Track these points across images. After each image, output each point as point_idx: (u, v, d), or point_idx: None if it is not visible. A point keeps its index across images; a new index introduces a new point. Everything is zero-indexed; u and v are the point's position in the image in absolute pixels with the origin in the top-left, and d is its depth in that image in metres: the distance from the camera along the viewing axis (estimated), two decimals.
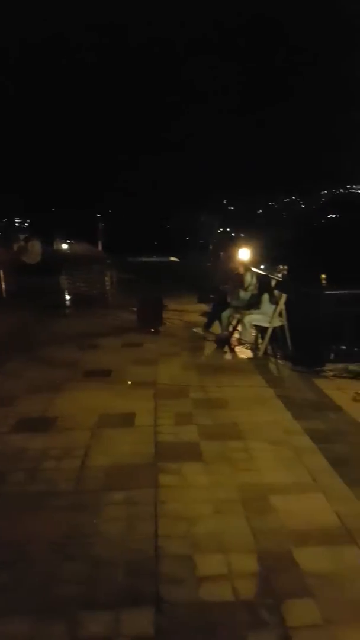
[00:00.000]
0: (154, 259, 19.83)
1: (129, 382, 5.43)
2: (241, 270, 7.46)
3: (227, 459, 3.63)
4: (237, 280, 7.41)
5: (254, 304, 7.02)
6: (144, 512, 2.95)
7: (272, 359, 6.54)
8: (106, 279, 11.31)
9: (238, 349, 7.00)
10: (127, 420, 4.33)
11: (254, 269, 7.70)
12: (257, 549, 2.65)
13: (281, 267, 7.53)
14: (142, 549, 2.64)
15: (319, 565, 2.53)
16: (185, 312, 9.83)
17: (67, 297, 11.09)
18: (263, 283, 6.97)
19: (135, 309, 8.93)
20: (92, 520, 2.89)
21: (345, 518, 2.90)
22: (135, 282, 12.97)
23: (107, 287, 11.31)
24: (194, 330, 8.02)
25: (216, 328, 7.78)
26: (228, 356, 6.77)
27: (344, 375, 5.65)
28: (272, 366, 6.31)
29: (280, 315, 6.71)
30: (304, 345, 6.34)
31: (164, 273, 15.53)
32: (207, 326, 7.84)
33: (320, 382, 5.50)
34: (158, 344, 7.31)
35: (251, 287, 7.33)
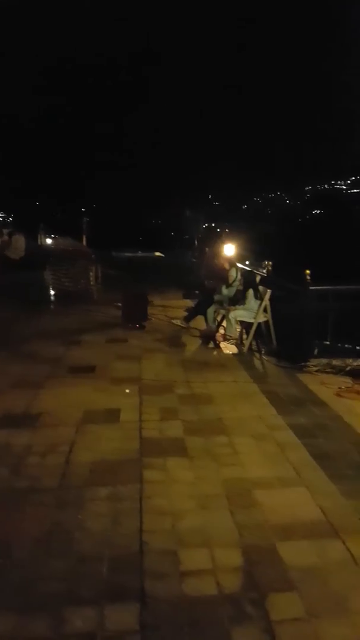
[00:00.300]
0: (139, 254, 19.79)
1: (116, 379, 5.41)
2: (226, 265, 7.48)
3: (211, 454, 3.65)
4: (222, 275, 7.43)
5: (239, 299, 7.05)
6: (129, 508, 2.95)
7: (257, 355, 6.58)
8: (91, 274, 11.22)
9: (223, 344, 7.02)
10: (112, 416, 4.33)
11: (239, 265, 7.73)
12: (241, 544, 2.67)
13: (266, 262, 7.56)
14: (126, 545, 2.65)
15: (302, 559, 2.56)
16: (171, 308, 9.80)
17: (51, 292, 10.99)
18: (248, 279, 6.99)
19: (119, 304, 8.89)
20: (77, 516, 2.88)
21: (328, 512, 2.94)
22: (120, 277, 12.91)
23: (92, 283, 11.23)
24: (174, 322, 8.04)
25: (200, 323, 7.80)
26: (213, 352, 6.79)
27: (328, 370, 5.71)
28: (256, 362, 6.34)
29: (265, 310, 6.75)
30: (288, 341, 6.38)
31: (149, 268, 15.50)
32: (188, 319, 7.88)
33: (304, 378, 5.55)
34: (143, 339, 7.30)
35: (236, 283, 7.36)
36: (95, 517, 2.88)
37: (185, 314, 8.18)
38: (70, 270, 10.95)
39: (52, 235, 16.00)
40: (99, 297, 11.09)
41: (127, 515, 2.89)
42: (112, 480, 3.25)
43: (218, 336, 7.23)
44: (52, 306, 10.24)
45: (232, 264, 7.52)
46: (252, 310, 6.73)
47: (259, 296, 6.72)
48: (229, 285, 7.39)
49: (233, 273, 7.43)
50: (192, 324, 7.94)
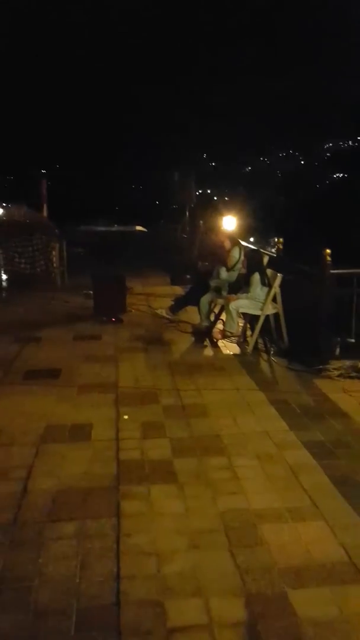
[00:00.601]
0: (115, 228, 19.71)
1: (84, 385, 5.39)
2: (226, 244, 7.48)
3: (206, 479, 3.65)
4: (222, 256, 7.43)
5: (241, 286, 7.05)
6: (102, 548, 2.95)
7: (264, 355, 6.59)
8: (53, 253, 11.17)
9: (221, 342, 7.03)
10: (81, 432, 4.32)
11: (242, 243, 7.74)
12: (243, 592, 2.68)
13: (275, 239, 7.59)
14: (99, 595, 2.64)
15: (320, 611, 2.58)
16: (155, 297, 9.81)
17: (2, 276, 10.91)
18: (253, 260, 7.00)
19: (90, 292, 8.87)
20: (36, 558, 2.88)
21: (353, 551, 2.97)
22: (91, 257, 12.86)
23: (54, 265, 11.18)
24: (158, 311, 8.05)
25: (192, 316, 7.80)
26: (209, 352, 6.80)
27: (352, 375, 5.74)
28: (263, 364, 6.36)
29: (274, 300, 6.76)
30: (303, 338, 6.40)
31: (128, 247, 15.45)
32: (174, 309, 7.89)
33: (322, 384, 5.58)
34: (120, 336, 7.29)
35: (238, 266, 7.37)
36: (59, 560, 2.87)
37: (172, 303, 8.19)
38: (26, 249, 10.88)
39: (3, 204, 15.84)
40: (63, 283, 11.05)
41: (99, 557, 2.89)
42: (80, 514, 3.24)
43: (215, 332, 7.24)
44: (2, 293, 10.18)
45: (234, 242, 7.52)
46: (258, 300, 6.75)
47: (266, 282, 6.73)
48: (229, 269, 7.39)
49: (235, 253, 7.43)
50: (183, 316, 7.95)
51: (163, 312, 7.98)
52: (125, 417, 4.69)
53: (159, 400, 5.05)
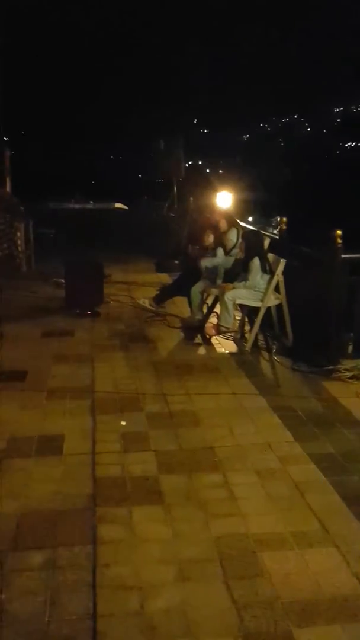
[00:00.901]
0: (91, 205, 19.61)
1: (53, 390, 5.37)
2: (223, 224, 7.45)
3: (198, 500, 3.65)
4: (216, 239, 7.41)
5: (238, 273, 7.04)
6: (76, 581, 2.93)
7: (265, 354, 6.60)
8: (18, 234, 11.10)
9: (215, 339, 7.03)
10: (50, 445, 4.31)
11: (240, 223, 7.73)
12: (241, 631, 2.67)
13: (278, 219, 7.58)
14: (72, 636, 2.62)
15: None
16: (138, 286, 9.79)
17: None
18: (252, 243, 6.98)
19: (62, 280, 8.83)
20: None
21: None
22: (63, 239, 12.79)
23: (19, 248, 11.12)
24: (140, 302, 8.04)
25: (181, 308, 7.79)
26: (201, 350, 6.79)
27: None
28: (264, 364, 6.36)
29: (276, 290, 6.76)
30: (310, 334, 6.41)
31: (106, 227, 15.35)
32: (159, 299, 7.88)
33: (333, 387, 5.59)
34: (97, 332, 7.28)
35: (235, 250, 7.36)
36: (25, 596, 2.85)
37: (158, 293, 8.16)
38: None
39: None
40: (30, 270, 10.99)
41: (72, 591, 2.87)
42: (50, 541, 3.23)
43: (208, 327, 7.24)
44: None
45: (231, 222, 7.50)
46: (258, 290, 6.74)
47: (267, 269, 6.73)
48: (225, 253, 7.38)
49: (232, 236, 7.41)
50: (170, 308, 7.93)
51: (145, 303, 7.95)
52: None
53: (142, 407, 5.04)
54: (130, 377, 5.78)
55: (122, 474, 3.94)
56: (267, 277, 6.71)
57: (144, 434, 4.53)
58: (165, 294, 7.97)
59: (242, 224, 7.87)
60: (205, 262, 7.51)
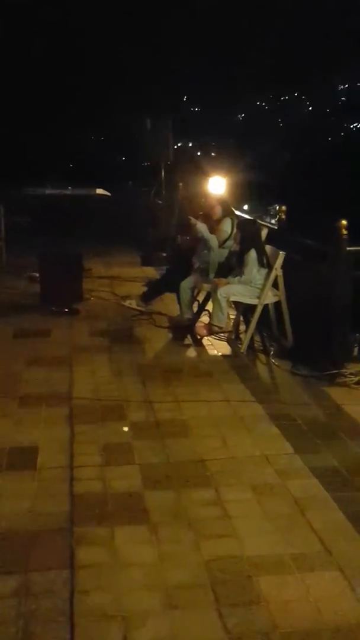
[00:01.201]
0: (70, 191, 19.54)
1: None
2: (216, 212, 7.43)
3: (187, 518, 3.64)
4: (209, 228, 7.39)
5: (233, 267, 7.04)
6: (52, 609, 2.91)
7: (262, 357, 6.61)
8: None
9: (207, 340, 7.03)
10: (24, 458, 4.30)
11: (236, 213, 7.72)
12: None
13: (277, 208, 7.58)
14: None
15: None
16: (122, 281, 9.77)
17: None
18: (248, 234, 6.97)
19: (37, 274, 8.80)
20: None
21: None
22: (38, 229, 12.73)
23: None
24: (125, 303, 8.00)
25: (169, 305, 7.77)
26: (191, 352, 6.79)
27: None
28: (261, 368, 6.37)
29: (274, 286, 6.76)
30: (312, 334, 6.42)
31: (86, 215, 15.31)
32: (147, 297, 7.85)
33: (337, 393, 5.60)
34: (75, 332, 7.27)
35: (229, 243, 7.34)
36: None
37: (144, 290, 8.14)
38: None
39: None
40: (1, 263, 10.93)
41: (47, 621, 2.85)
42: (23, 565, 3.21)
43: (199, 327, 7.22)
44: None
45: (227, 211, 7.47)
46: (255, 285, 6.73)
47: (265, 262, 6.72)
48: (220, 245, 7.36)
49: (226, 226, 7.38)
50: (158, 306, 7.91)
51: (132, 303, 7.91)
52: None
53: (126, 416, 5.03)
54: (113, 382, 5.77)
55: (103, 490, 3.93)
56: (264, 271, 6.70)
57: (128, 446, 4.52)
58: (153, 291, 7.94)
59: (237, 212, 7.85)
60: (196, 262, 7.45)
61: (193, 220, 7.27)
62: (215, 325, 6.96)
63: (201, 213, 7.54)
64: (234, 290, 6.81)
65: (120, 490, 3.92)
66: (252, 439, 4.68)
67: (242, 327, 7.14)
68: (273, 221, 7.52)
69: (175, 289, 7.54)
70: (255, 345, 6.80)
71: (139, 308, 7.85)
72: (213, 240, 7.22)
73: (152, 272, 10.38)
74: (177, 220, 11.38)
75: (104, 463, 4.26)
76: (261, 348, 6.75)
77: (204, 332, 7.11)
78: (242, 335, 7.00)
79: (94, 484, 3.99)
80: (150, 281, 8.74)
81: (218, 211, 7.41)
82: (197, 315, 7.43)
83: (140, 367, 6.18)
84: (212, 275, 7.25)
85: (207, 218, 7.46)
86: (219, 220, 7.39)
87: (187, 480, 4.06)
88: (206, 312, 7.37)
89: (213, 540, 3.46)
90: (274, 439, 4.70)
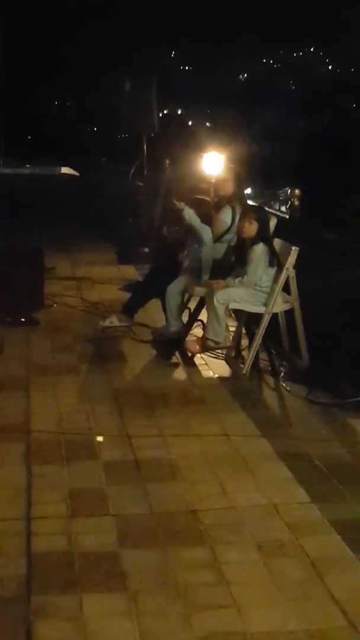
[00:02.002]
0: (28, 170, 19.60)
1: None
2: (228, 188, 7.39)
3: (176, 584, 3.62)
4: (205, 217, 7.39)
5: (232, 266, 7.04)
6: None
7: (269, 380, 6.63)
8: None
9: (200, 358, 7.04)
10: None
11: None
12: None
13: (288, 191, 7.61)
14: None
15: None
16: (93, 283, 9.78)
17: None
18: (258, 224, 6.99)
19: None
20: None
21: None
22: None
23: None
24: (105, 323, 7.90)
25: (153, 314, 7.77)
26: (180, 374, 6.81)
27: None
28: (268, 394, 6.40)
29: (285, 290, 6.77)
30: (332, 352, 6.43)
31: (49, 200, 15.35)
32: (130, 309, 7.79)
33: None
34: (34, 348, 7.29)
35: (228, 236, 7.35)
36: None
37: (123, 295, 8.12)
38: None
39: None
40: None
41: None
42: None
43: (190, 342, 7.21)
44: None
45: (230, 196, 7.45)
46: (261, 289, 6.74)
47: (274, 261, 6.73)
48: (217, 239, 7.36)
49: (225, 216, 7.39)
50: (136, 315, 7.88)
51: (114, 321, 7.78)
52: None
53: (97, 454, 5.02)
54: (81, 411, 5.76)
55: (68, 547, 3.90)
56: (272, 271, 6.68)
57: (100, 492, 4.50)
58: (137, 299, 7.82)
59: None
60: (185, 261, 7.42)
61: (179, 204, 7.24)
62: (211, 340, 6.95)
63: (195, 197, 7.50)
64: (235, 295, 6.77)
65: (90, 549, 3.89)
66: (257, 483, 4.67)
67: (245, 342, 7.15)
68: (283, 208, 7.55)
69: (161, 294, 7.51)
70: (261, 365, 6.82)
71: (121, 324, 7.74)
72: (205, 233, 7.18)
73: (131, 272, 10.40)
74: (163, 207, 11.41)
75: (69, 514, 4.24)
76: (269, 369, 6.76)
77: (197, 348, 7.08)
78: (244, 353, 7.01)
79: (57, 541, 3.96)
80: (130, 284, 8.73)
81: (230, 188, 7.37)
82: (188, 326, 7.43)
83: (116, 392, 6.17)
84: (206, 277, 7.24)
85: (200, 203, 7.44)
86: (217, 208, 7.37)
87: (175, 536, 4.04)
88: (199, 323, 7.37)
89: (208, 612, 3.44)
90: (285, 484, 4.69)
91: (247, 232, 6.64)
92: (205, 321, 7.07)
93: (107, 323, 7.81)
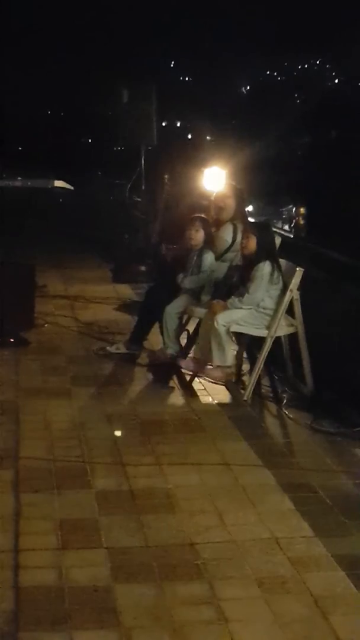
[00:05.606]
0: (20, 183, 19.64)
1: None
2: (228, 207, 7.40)
3: (171, 622, 3.61)
4: (208, 236, 7.41)
5: (234, 286, 7.04)
6: None
7: (272, 406, 6.62)
8: None
9: (199, 383, 7.03)
10: None
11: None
12: None
13: (293, 210, 7.63)
14: None
15: None
16: (86, 302, 9.78)
17: None
18: (259, 241, 7.00)
19: None
20: None
21: None
22: None
23: None
24: (110, 349, 7.88)
25: (152, 338, 7.77)
26: (177, 399, 6.80)
27: None
28: (270, 421, 6.39)
29: (289, 312, 6.77)
30: (338, 377, 6.44)
31: (41, 215, 15.39)
32: (137, 338, 7.75)
33: None
34: (23, 370, 7.30)
35: (230, 255, 7.37)
36: None
37: (119, 316, 8.11)
38: None
39: None
40: None
41: None
42: None
43: (189, 364, 7.19)
44: None
45: (235, 213, 7.47)
46: (263, 311, 6.75)
47: (278, 281, 6.73)
48: (217, 257, 7.38)
49: (226, 234, 7.41)
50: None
51: (120, 348, 7.77)
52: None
53: (90, 483, 5.01)
54: (73, 437, 5.75)
55: (58, 582, 3.89)
56: (275, 292, 6.67)
57: (93, 523, 4.49)
58: (143, 328, 7.77)
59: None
60: (187, 283, 7.41)
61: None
62: (212, 363, 6.89)
63: (198, 216, 7.52)
64: (236, 317, 6.73)
65: (81, 583, 3.88)
66: (258, 516, 4.66)
67: (246, 367, 7.14)
68: (287, 227, 7.56)
69: (158, 315, 7.50)
70: (263, 390, 6.81)
71: (125, 351, 7.72)
72: (210, 262, 7.27)
73: (126, 291, 10.40)
74: (161, 223, 11.44)
75: (60, 546, 4.22)
76: (271, 395, 6.75)
77: (197, 370, 7.02)
78: (245, 378, 7.00)
79: (47, 574, 3.94)
80: (128, 303, 8.71)
81: (230, 206, 7.39)
82: (187, 349, 7.42)
83: (110, 417, 6.17)
84: (206, 297, 7.23)
85: (204, 223, 7.45)
86: (218, 226, 7.40)
87: (171, 571, 4.02)
88: (198, 345, 7.34)
89: None
90: (288, 516, 4.68)
91: (248, 248, 6.65)
92: (202, 343, 7.03)
93: (113, 349, 7.81)
